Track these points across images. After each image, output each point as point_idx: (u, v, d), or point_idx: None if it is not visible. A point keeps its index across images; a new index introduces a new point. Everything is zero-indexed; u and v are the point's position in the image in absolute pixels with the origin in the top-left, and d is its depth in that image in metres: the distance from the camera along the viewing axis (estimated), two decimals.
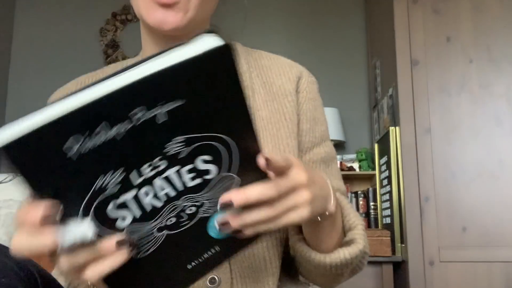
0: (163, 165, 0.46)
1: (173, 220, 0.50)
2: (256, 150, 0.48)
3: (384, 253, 2.07)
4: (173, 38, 0.71)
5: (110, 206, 0.46)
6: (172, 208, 0.49)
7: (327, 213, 0.58)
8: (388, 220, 2.27)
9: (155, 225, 0.49)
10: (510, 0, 2.16)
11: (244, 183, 0.49)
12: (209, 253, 0.55)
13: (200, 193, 0.49)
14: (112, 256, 0.44)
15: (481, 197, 2.02)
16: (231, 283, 0.70)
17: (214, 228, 0.52)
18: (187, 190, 0.48)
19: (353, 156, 2.76)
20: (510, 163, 2.04)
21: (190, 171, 0.47)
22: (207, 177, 0.48)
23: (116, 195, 0.45)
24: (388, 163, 2.25)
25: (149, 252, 0.50)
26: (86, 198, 0.44)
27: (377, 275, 2.07)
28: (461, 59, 2.14)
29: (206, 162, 0.47)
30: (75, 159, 0.41)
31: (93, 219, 0.45)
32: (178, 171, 0.47)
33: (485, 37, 2.15)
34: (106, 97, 0.38)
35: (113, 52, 2.94)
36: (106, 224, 0.46)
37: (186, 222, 0.50)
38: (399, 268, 2.13)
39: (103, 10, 2.97)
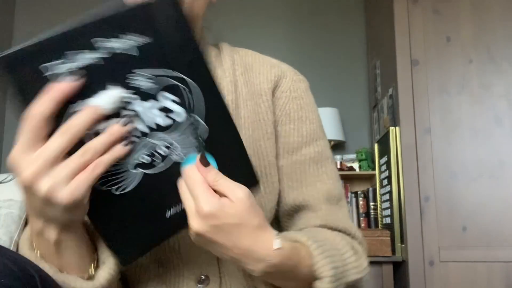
0: (133, 98, 0.51)
1: (148, 159, 0.54)
2: (223, 105, 0.55)
3: (384, 253, 2.07)
4: None
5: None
6: (144, 145, 0.54)
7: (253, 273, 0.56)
8: (388, 220, 2.27)
9: (130, 161, 0.53)
10: (510, 0, 2.16)
11: (212, 132, 0.56)
12: None
13: (171, 134, 0.54)
14: (115, 147, 0.51)
15: (481, 197, 2.02)
16: (220, 282, 0.70)
17: None
18: (159, 129, 0.54)
19: (353, 156, 2.76)
20: (510, 163, 2.04)
21: (161, 110, 0.53)
22: (177, 119, 0.54)
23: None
24: (388, 163, 2.25)
25: (127, 189, 0.54)
26: (62, 122, 0.48)
27: (377, 275, 2.07)
28: (461, 59, 2.14)
29: (174, 102, 0.53)
30: (50, 79, 0.47)
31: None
32: (150, 108, 0.52)
33: (485, 37, 2.15)
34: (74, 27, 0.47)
35: None
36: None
37: (159, 163, 0.55)
38: (399, 268, 2.13)
39: None
